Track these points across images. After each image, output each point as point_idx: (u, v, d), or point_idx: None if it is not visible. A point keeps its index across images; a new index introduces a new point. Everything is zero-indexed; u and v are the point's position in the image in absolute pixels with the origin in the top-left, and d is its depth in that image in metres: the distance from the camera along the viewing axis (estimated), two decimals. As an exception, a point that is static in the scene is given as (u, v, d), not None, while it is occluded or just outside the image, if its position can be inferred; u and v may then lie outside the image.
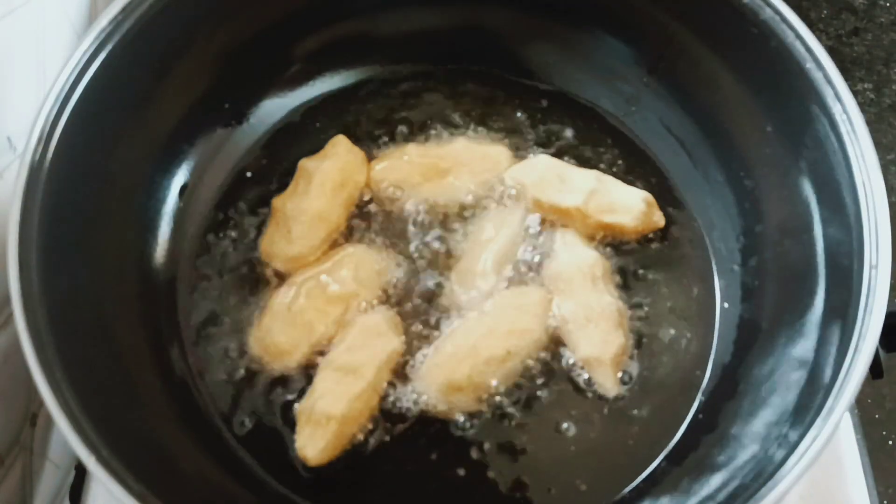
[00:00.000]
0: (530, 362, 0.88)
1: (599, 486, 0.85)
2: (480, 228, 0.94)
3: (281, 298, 0.90)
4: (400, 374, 0.88)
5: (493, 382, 0.87)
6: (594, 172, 0.96)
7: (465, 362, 0.86)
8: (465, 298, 0.91)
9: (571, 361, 0.88)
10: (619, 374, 0.88)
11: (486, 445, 0.86)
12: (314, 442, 0.83)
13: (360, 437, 0.86)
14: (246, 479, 0.85)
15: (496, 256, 0.92)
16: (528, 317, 0.89)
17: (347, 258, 0.91)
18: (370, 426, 0.86)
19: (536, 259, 0.93)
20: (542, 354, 0.89)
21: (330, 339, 0.89)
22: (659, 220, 0.94)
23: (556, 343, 0.89)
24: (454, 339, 0.88)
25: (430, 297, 0.92)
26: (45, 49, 0.90)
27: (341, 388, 0.84)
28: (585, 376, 0.88)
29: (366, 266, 0.92)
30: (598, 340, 0.87)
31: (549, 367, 0.89)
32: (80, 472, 0.91)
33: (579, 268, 0.91)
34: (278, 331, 0.88)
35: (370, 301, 0.91)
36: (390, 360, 0.87)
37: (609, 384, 0.87)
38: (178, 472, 0.81)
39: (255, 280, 0.93)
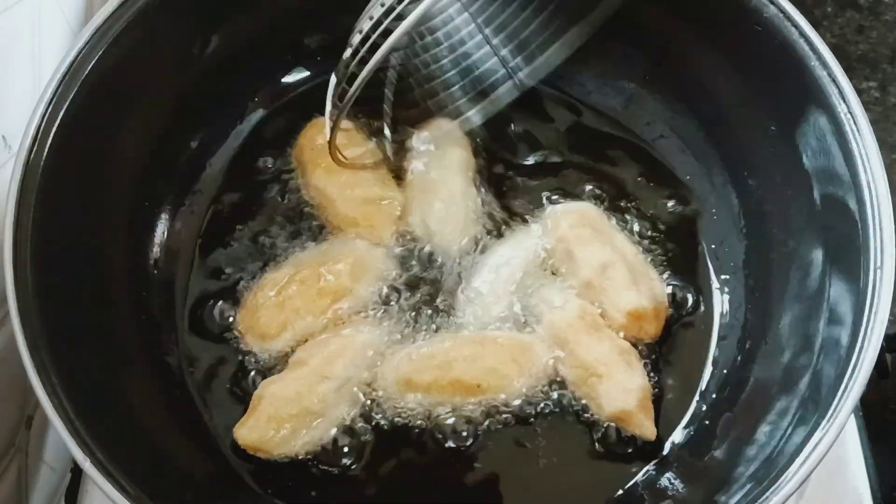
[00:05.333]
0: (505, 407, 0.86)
1: (599, 488, 0.84)
2: (494, 252, 0.92)
3: (273, 281, 0.89)
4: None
5: (448, 404, 0.85)
6: (613, 256, 0.89)
7: (432, 371, 0.85)
8: (464, 319, 0.89)
9: (595, 418, 0.86)
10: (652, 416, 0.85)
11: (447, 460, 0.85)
12: (253, 429, 0.82)
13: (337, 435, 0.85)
14: (243, 482, 0.84)
15: (505, 282, 0.90)
16: (515, 366, 0.86)
17: (348, 252, 0.90)
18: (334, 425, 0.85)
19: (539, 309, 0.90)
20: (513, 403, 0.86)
21: (314, 332, 0.88)
22: (645, 335, 0.89)
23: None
24: (436, 345, 0.87)
25: (428, 309, 0.90)
26: (40, 47, 0.89)
27: (303, 386, 0.84)
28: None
29: (366, 264, 0.91)
30: (619, 391, 0.84)
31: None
32: (76, 475, 0.91)
33: (581, 317, 0.88)
34: (265, 313, 0.88)
35: (363, 304, 0.89)
36: (363, 379, 0.87)
37: (646, 431, 0.84)
38: (174, 475, 0.80)
39: (252, 283, 0.92)
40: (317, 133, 0.96)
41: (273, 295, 0.88)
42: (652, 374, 0.88)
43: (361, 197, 0.93)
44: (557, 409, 0.86)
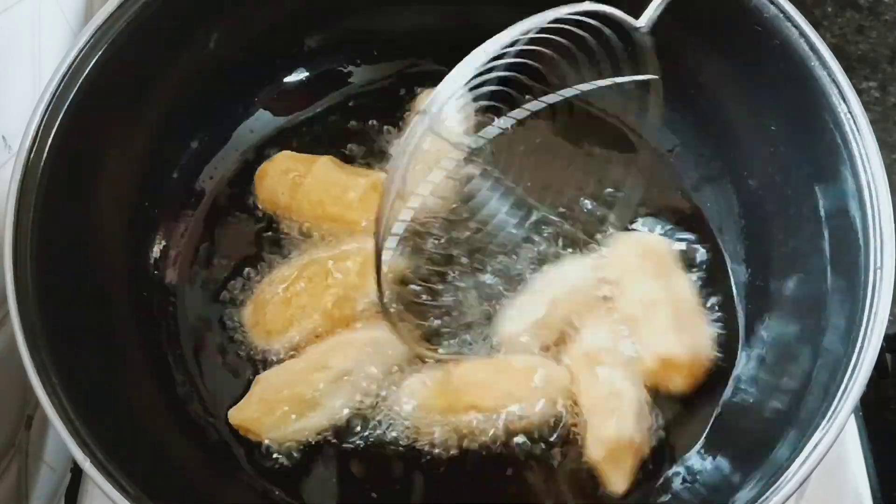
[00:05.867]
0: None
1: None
2: (544, 276, 0.89)
3: (281, 277, 0.89)
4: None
5: (467, 425, 0.83)
6: (663, 295, 0.86)
7: (447, 396, 0.83)
8: (492, 343, 0.87)
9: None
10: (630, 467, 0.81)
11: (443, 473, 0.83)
12: (243, 409, 0.83)
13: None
14: (243, 482, 0.84)
15: (544, 301, 0.86)
16: (531, 390, 0.83)
17: (357, 250, 0.89)
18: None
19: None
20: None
21: (321, 330, 0.87)
22: (672, 387, 0.84)
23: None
24: (450, 370, 0.84)
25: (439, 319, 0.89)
26: (40, 46, 0.89)
27: (296, 373, 0.84)
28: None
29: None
30: (592, 440, 0.81)
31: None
32: (76, 475, 0.91)
33: (585, 354, 0.84)
34: (271, 309, 0.87)
35: (372, 303, 0.88)
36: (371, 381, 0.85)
37: (614, 487, 0.81)
38: (174, 475, 0.81)
39: (255, 284, 0.92)
40: (272, 183, 0.94)
41: (280, 291, 0.88)
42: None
43: (355, 197, 0.92)
44: (573, 433, 0.84)
